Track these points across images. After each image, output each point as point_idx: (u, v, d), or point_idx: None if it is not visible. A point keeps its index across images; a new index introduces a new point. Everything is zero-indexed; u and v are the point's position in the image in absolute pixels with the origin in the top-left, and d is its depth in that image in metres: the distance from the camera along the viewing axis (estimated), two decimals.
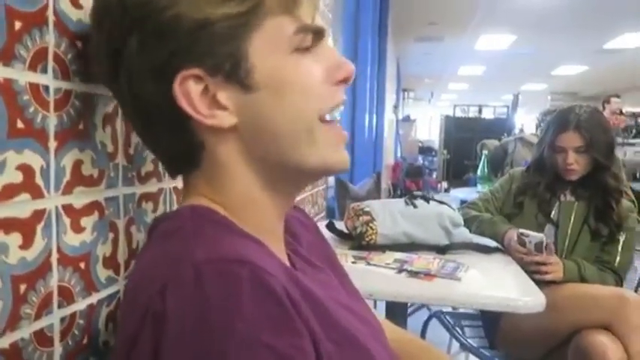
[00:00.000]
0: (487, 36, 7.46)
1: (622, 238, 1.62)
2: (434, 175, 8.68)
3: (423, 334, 1.82)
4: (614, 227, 1.60)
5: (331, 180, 2.38)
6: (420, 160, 9.00)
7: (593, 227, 1.63)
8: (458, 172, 6.45)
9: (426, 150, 9.83)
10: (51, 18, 0.50)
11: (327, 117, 0.50)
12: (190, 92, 0.46)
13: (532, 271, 1.47)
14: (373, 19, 3.72)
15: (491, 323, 1.64)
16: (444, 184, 7.36)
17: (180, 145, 0.49)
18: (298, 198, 1.70)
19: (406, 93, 12.51)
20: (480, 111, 10.62)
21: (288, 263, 0.54)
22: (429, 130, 14.12)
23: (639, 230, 1.75)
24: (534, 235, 1.51)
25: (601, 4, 5.66)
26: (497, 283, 1.32)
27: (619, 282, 1.58)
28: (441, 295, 1.19)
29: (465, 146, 6.54)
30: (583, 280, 1.53)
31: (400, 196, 1.63)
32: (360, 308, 0.59)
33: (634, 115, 6.60)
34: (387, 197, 3.88)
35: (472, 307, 1.18)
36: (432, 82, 12.94)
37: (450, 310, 1.90)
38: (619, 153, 5.17)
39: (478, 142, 5.14)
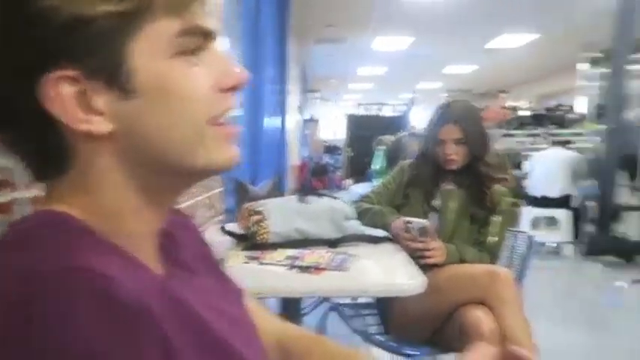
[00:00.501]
0: (385, 38, 7.81)
1: (496, 220, 1.78)
2: (338, 173, 8.91)
3: (323, 328, 1.87)
4: (487, 211, 1.76)
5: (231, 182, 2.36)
6: (326, 159, 9.20)
7: (472, 212, 1.77)
8: (360, 169, 6.69)
9: (332, 149, 10.07)
10: None
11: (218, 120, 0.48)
12: (63, 94, 0.42)
13: (418, 256, 1.57)
14: (272, 23, 3.74)
15: (384, 310, 1.72)
16: (349, 181, 7.59)
17: (47, 150, 0.45)
18: (191, 201, 1.67)
19: (312, 94, 12.72)
20: (379, 109, 11.08)
21: (160, 271, 0.52)
22: (335, 129, 14.46)
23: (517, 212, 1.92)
24: (417, 222, 1.62)
25: (481, 7, 6.16)
26: (384, 271, 1.40)
27: (493, 260, 1.73)
28: (329, 286, 1.24)
29: (367, 143, 6.80)
30: (463, 261, 1.66)
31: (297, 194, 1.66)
32: (235, 312, 0.59)
33: (515, 109, 7.25)
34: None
35: (360, 295, 1.25)
36: (338, 83, 13.28)
37: (348, 301, 1.96)
38: (504, 143, 5.69)
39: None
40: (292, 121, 6.60)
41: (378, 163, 3.32)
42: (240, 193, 2.30)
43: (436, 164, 1.82)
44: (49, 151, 0.45)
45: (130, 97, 0.44)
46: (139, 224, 0.50)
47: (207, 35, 0.47)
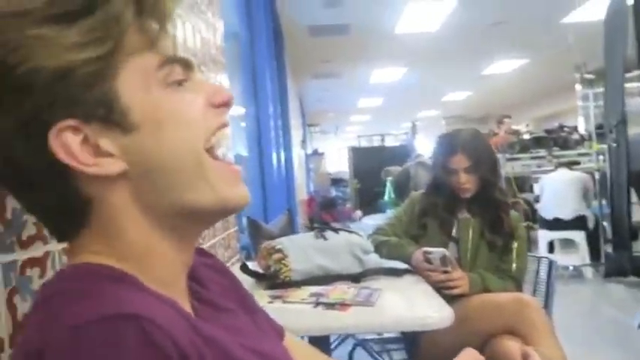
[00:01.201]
0: (380, 70, 7.95)
1: (515, 246, 1.76)
2: (347, 205, 8.91)
3: None
4: (506, 237, 1.74)
5: (244, 221, 2.35)
6: (333, 191, 9.20)
7: (489, 240, 1.75)
8: (369, 200, 6.69)
9: (337, 181, 10.08)
10: None
11: (215, 151, 0.49)
12: (69, 144, 0.43)
13: (441, 287, 1.55)
14: (269, 60, 3.82)
15: (412, 344, 1.68)
16: (359, 213, 7.57)
17: (66, 204, 0.46)
18: (209, 242, 1.66)
19: (312, 128, 12.84)
20: (382, 140, 11.16)
21: (190, 311, 0.52)
22: (337, 161, 14.52)
23: (532, 236, 1.91)
24: (437, 251, 1.60)
25: (474, 37, 6.30)
26: (411, 304, 1.37)
27: (518, 287, 1.71)
28: (357, 322, 1.21)
29: (373, 174, 6.82)
30: (487, 290, 1.63)
31: (312, 230, 1.65)
32: (270, 349, 0.58)
33: (517, 133, 7.29)
34: (304, 232, 3.91)
35: (388, 330, 1.22)
36: (336, 116, 13.43)
37: (374, 336, 1.92)
38: (508, 167, 5.71)
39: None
40: (297, 155, 6.64)
41: (387, 193, 3.32)
42: (254, 231, 2.28)
43: (449, 193, 1.81)
44: (69, 205, 0.46)
45: (130, 132, 0.45)
46: (167, 266, 0.50)
47: (186, 65, 0.49)
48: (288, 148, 5.08)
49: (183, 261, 0.53)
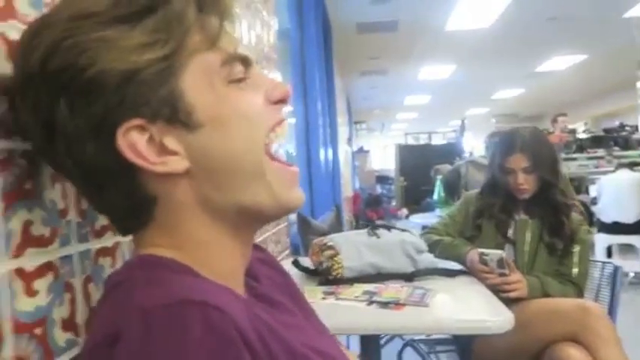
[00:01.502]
0: (428, 67, 7.80)
1: (576, 250, 1.68)
2: (392, 203, 8.81)
3: None
4: (567, 240, 1.66)
5: (293, 216, 2.37)
6: (378, 189, 9.13)
7: (549, 242, 1.68)
8: (416, 198, 6.59)
9: (382, 179, 10.00)
10: None
11: (271, 148, 0.50)
12: (136, 143, 0.44)
13: (498, 290, 1.50)
14: (319, 57, 3.82)
15: (464, 346, 1.64)
16: (405, 211, 7.47)
17: (132, 202, 0.48)
18: (260, 237, 1.67)
19: (358, 125, 12.79)
20: (429, 138, 10.97)
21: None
22: (383, 159, 14.41)
23: (591, 240, 1.82)
24: (494, 253, 1.55)
25: (526, 34, 6.07)
26: (466, 306, 1.33)
27: (579, 293, 1.63)
28: (412, 323, 1.19)
29: (420, 172, 6.72)
30: (546, 294, 1.57)
31: (363, 227, 1.63)
32: (325, 346, 0.58)
33: (573, 132, 6.98)
34: (350, 229, 3.90)
35: (443, 332, 1.19)
36: (382, 113, 13.31)
37: (423, 337, 1.89)
38: (564, 168, 5.47)
39: (432, 167, 5.29)
40: (343, 152, 6.63)
41: (437, 192, 3.26)
42: (303, 227, 2.29)
43: (506, 194, 1.75)
44: (135, 202, 0.48)
45: (194, 130, 0.46)
46: (227, 259, 0.51)
47: (245, 62, 0.50)
48: (335, 146, 5.08)
49: (242, 255, 0.53)
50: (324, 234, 2.19)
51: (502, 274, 1.54)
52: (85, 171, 0.47)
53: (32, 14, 0.54)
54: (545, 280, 1.60)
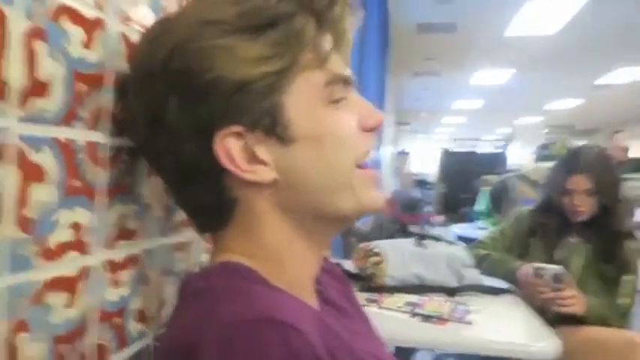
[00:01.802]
0: (483, 71, 7.62)
1: (627, 280, 1.62)
2: (428, 208, 8.63)
3: None
4: (619, 269, 1.61)
5: None
6: (418, 193, 8.99)
7: (600, 269, 1.63)
8: (454, 206, 6.45)
9: (421, 183, 9.84)
10: (107, 77, 0.51)
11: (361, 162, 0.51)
12: (231, 149, 0.46)
13: (553, 304, 1.47)
14: (376, 56, 3.80)
15: None
16: (440, 218, 7.33)
17: (215, 202, 0.49)
18: None
19: (402, 126, 12.63)
20: (475, 145, 10.71)
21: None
22: (422, 162, 14.18)
23: None
24: (552, 267, 1.50)
25: (593, 42, 5.81)
26: (509, 327, 1.31)
27: (621, 325, 1.57)
28: (454, 340, 1.19)
29: (461, 180, 6.56)
30: (602, 317, 1.51)
31: (409, 235, 1.63)
32: (381, 352, 0.59)
33: (626, 149, 6.65)
34: (389, 234, 3.88)
35: (485, 353, 1.18)
36: (428, 116, 13.10)
37: (452, 351, 1.87)
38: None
39: (473, 175, 5.16)
40: (387, 154, 6.58)
41: (482, 203, 3.19)
42: (345, 230, 2.30)
43: (560, 214, 1.70)
44: (218, 203, 0.49)
45: (288, 145, 0.47)
46: (300, 268, 0.52)
47: (347, 82, 0.50)
48: (380, 147, 5.05)
49: (316, 262, 0.54)
50: (365, 236, 2.20)
51: (556, 290, 1.49)
52: (177, 166, 0.49)
53: (151, 18, 0.58)
54: (601, 304, 1.54)
